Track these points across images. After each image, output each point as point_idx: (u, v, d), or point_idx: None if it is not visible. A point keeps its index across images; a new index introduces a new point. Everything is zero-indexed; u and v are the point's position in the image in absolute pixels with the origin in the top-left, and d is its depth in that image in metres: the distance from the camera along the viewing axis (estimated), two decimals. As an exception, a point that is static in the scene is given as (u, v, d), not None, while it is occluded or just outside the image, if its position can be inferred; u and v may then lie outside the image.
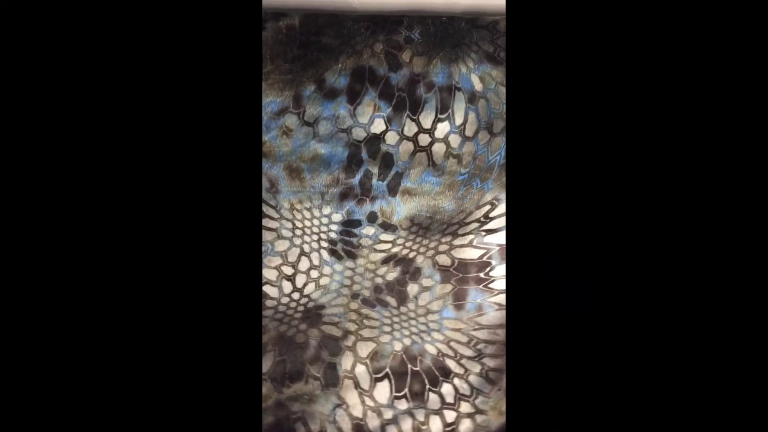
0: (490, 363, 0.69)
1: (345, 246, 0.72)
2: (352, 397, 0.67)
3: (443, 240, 0.72)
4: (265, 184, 0.71)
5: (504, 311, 0.70)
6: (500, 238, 0.71)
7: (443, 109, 0.71)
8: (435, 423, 0.67)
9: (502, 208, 0.71)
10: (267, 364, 0.68)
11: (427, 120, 0.71)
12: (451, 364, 0.69)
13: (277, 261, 0.71)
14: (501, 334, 0.70)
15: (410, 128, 0.71)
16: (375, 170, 0.71)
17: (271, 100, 0.71)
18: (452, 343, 0.70)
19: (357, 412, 0.66)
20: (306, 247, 0.72)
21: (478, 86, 0.71)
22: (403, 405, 0.68)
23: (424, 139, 0.71)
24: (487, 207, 0.72)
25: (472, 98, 0.71)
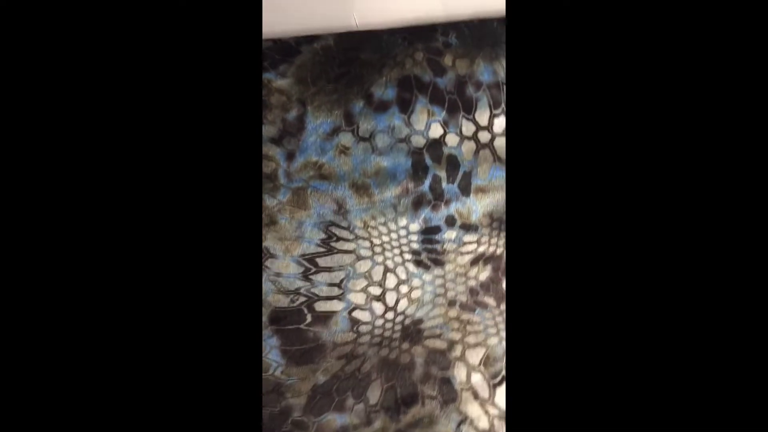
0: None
1: (429, 254, 0.69)
2: (473, 409, 0.63)
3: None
4: (332, 206, 0.69)
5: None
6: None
7: (496, 105, 0.71)
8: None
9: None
10: (375, 394, 0.63)
11: (483, 117, 0.71)
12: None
13: (362, 283, 0.68)
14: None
15: (468, 128, 0.71)
16: (443, 174, 0.70)
17: (321, 122, 0.69)
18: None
19: (483, 423, 0.62)
20: (389, 263, 0.69)
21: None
22: (529, 407, 0.64)
23: (484, 136, 0.71)
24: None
25: (522, 88, 0.72)
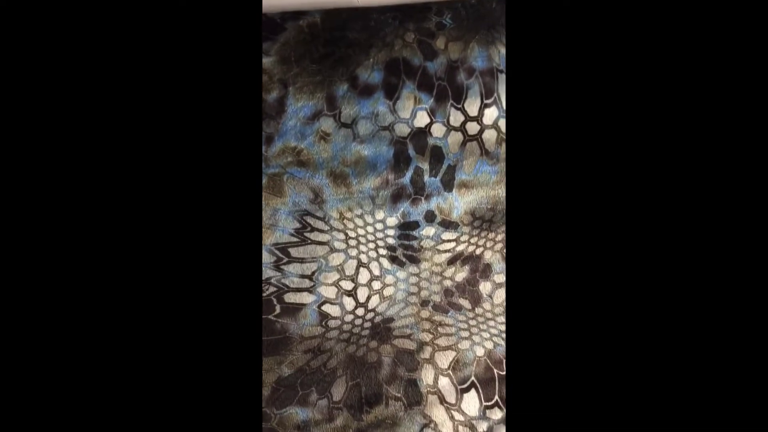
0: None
1: (405, 251, 0.66)
2: (438, 413, 0.61)
3: (507, 231, 0.68)
4: (308, 194, 0.66)
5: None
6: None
7: (488, 94, 0.67)
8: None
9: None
10: (340, 391, 0.62)
11: (473, 107, 0.66)
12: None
13: (334, 276, 0.66)
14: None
15: (456, 117, 0.67)
16: (425, 166, 0.66)
17: (302, 105, 0.66)
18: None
19: (447, 429, 0.60)
20: (363, 258, 0.66)
21: (521, 64, 0.68)
22: (496, 414, 0.61)
23: (472, 128, 0.67)
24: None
25: (517, 77, 0.68)
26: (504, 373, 0.63)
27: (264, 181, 0.66)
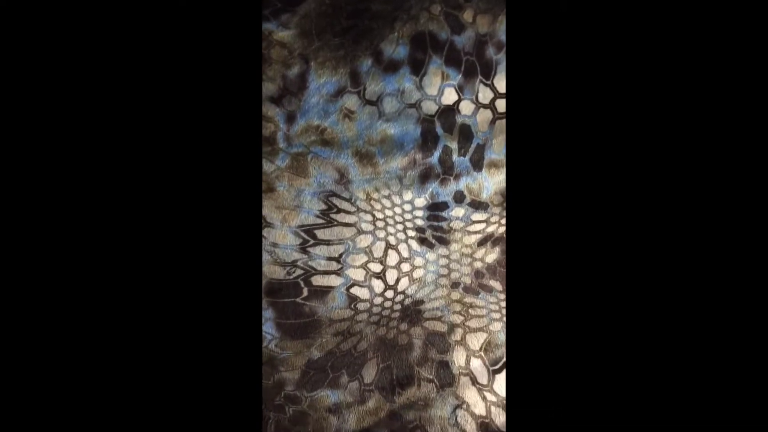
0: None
1: (435, 232, 0.65)
2: (471, 394, 0.61)
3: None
4: (333, 175, 0.65)
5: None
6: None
7: (517, 69, 0.65)
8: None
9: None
10: (371, 373, 0.62)
11: (502, 83, 0.64)
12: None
13: (362, 259, 0.65)
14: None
15: (485, 94, 0.65)
16: (454, 145, 0.65)
17: (325, 81, 0.64)
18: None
19: (480, 410, 0.61)
20: (392, 239, 0.65)
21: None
22: (528, 395, 0.63)
23: (502, 105, 0.65)
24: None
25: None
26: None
27: (287, 161, 0.64)
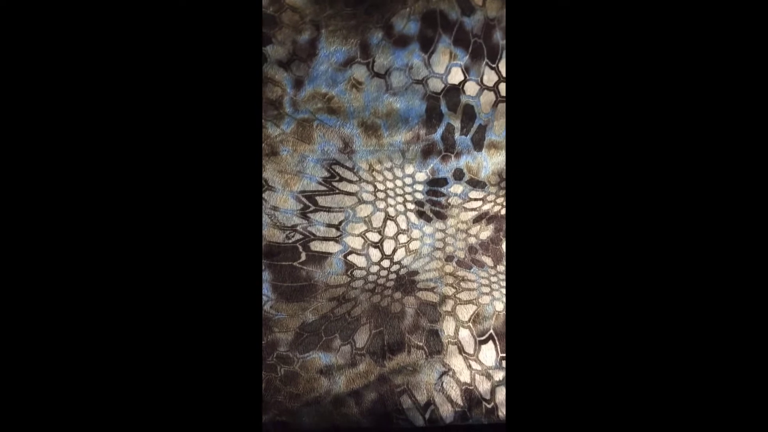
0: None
1: (433, 207, 0.67)
2: (457, 362, 0.64)
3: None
4: (338, 143, 0.65)
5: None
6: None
7: (521, 55, 0.67)
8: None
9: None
10: (363, 338, 0.64)
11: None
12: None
13: (362, 228, 0.66)
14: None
15: (490, 77, 0.66)
16: (457, 124, 0.67)
17: (335, 49, 0.64)
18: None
19: (465, 377, 0.64)
20: (391, 211, 0.67)
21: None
22: (510, 366, 0.66)
23: (505, 89, 0.68)
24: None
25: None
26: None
27: (293, 126, 0.64)
